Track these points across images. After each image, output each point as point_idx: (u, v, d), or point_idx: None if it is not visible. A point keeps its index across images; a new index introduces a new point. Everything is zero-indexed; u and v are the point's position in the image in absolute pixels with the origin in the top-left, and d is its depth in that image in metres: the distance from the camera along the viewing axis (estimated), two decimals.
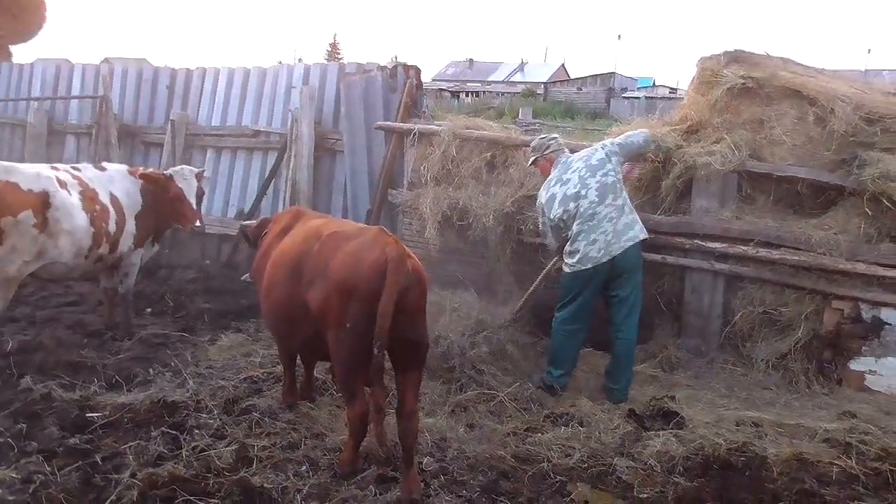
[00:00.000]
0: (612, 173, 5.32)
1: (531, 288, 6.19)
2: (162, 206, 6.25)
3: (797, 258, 5.65)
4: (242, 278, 5.87)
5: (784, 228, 5.80)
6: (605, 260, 5.20)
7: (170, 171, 6.39)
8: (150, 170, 6.44)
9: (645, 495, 3.80)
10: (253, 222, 5.37)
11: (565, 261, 5.38)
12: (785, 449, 4.24)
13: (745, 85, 6.23)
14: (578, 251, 5.26)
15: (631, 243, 5.25)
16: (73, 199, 5.35)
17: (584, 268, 5.24)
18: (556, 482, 3.87)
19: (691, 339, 6.11)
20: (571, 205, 5.29)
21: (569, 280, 5.38)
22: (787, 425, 4.66)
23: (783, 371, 5.65)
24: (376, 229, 3.87)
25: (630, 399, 5.19)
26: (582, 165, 5.38)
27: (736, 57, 6.50)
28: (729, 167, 5.99)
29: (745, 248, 5.85)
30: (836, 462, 4.09)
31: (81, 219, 5.38)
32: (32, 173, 5.12)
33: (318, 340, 3.83)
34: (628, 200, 5.41)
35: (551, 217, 5.42)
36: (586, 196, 5.26)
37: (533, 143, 5.79)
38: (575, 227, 5.29)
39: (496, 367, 5.51)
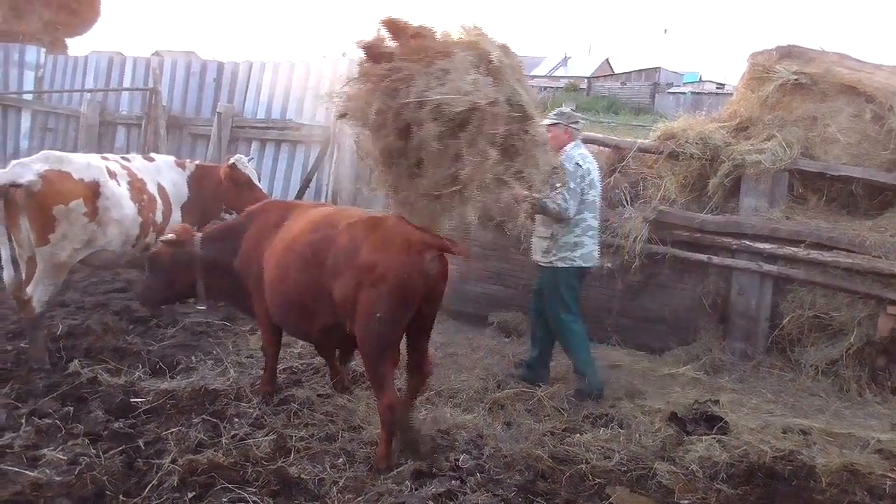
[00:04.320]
0: None
1: None
2: (208, 198, 6.35)
3: (850, 261, 5.47)
4: None
5: (837, 230, 5.63)
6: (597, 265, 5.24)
7: (231, 160, 6.52)
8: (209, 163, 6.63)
9: (686, 502, 3.71)
10: (171, 237, 4.81)
11: (562, 254, 5.06)
12: (834, 459, 4.09)
13: (797, 81, 6.07)
14: (584, 245, 5.07)
15: None
16: (122, 188, 5.46)
17: (585, 265, 5.11)
18: (595, 485, 3.81)
19: (737, 341, 5.96)
20: (595, 192, 5.14)
21: (568, 276, 5.09)
22: (837, 434, 4.51)
23: (833, 378, 5.48)
24: (395, 217, 3.92)
25: (673, 402, 5.07)
26: (596, 168, 5.23)
27: (789, 52, 6.33)
28: (780, 165, 5.84)
29: (796, 249, 5.68)
30: (888, 475, 3.94)
31: (130, 208, 5.49)
32: (83, 163, 5.24)
33: (337, 329, 3.91)
34: None
35: (585, 182, 5.02)
36: (598, 197, 5.20)
37: (561, 110, 5.41)
38: (588, 217, 5.08)
39: None
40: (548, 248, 5.10)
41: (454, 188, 3.68)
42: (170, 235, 4.84)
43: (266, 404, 4.50)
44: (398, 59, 3.69)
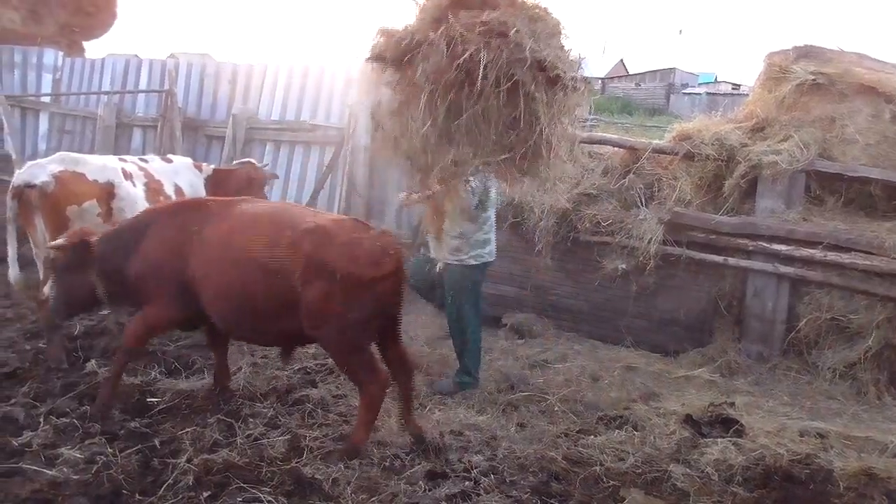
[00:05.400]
0: None
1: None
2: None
3: (869, 263, 5.41)
4: None
5: (855, 231, 5.57)
6: None
7: (260, 164, 6.78)
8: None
9: None
10: (59, 241, 4.39)
11: (474, 252, 5.07)
12: (852, 463, 4.05)
13: (815, 81, 6.02)
14: (490, 242, 5.14)
15: None
16: (138, 190, 5.52)
17: (490, 260, 5.18)
18: (609, 487, 3.78)
19: (753, 344, 5.91)
20: (495, 188, 5.12)
21: (477, 272, 5.15)
22: (855, 438, 4.46)
23: (851, 381, 5.42)
24: (352, 220, 4.09)
25: (688, 404, 5.04)
26: None
27: (806, 52, 6.28)
28: (796, 166, 5.79)
29: (813, 251, 5.62)
30: None
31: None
32: (99, 164, 5.31)
33: (297, 331, 3.96)
34: None
35: (490, 179, 4.96)
36: (496, 193, 5.18)
37: None
38: (491, 215, 5.15)
39: None
40: (458, 247, 5.08)
41: (505, 156, 3.63)
42: (59, 240, 4.43)
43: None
44: (501, 10, 3.45)
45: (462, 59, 3.38)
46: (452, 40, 3.43)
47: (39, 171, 4.94)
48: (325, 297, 3.73)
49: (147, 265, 4.20)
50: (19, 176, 4.91)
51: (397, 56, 3.65)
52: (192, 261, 4.10)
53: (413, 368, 4.24)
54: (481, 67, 3.37)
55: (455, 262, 5.09)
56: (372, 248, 3.79)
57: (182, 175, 6.14)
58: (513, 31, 3.39)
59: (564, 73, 3.46)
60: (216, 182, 6.38)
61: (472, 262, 5.09)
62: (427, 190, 4.11)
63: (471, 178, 4.70)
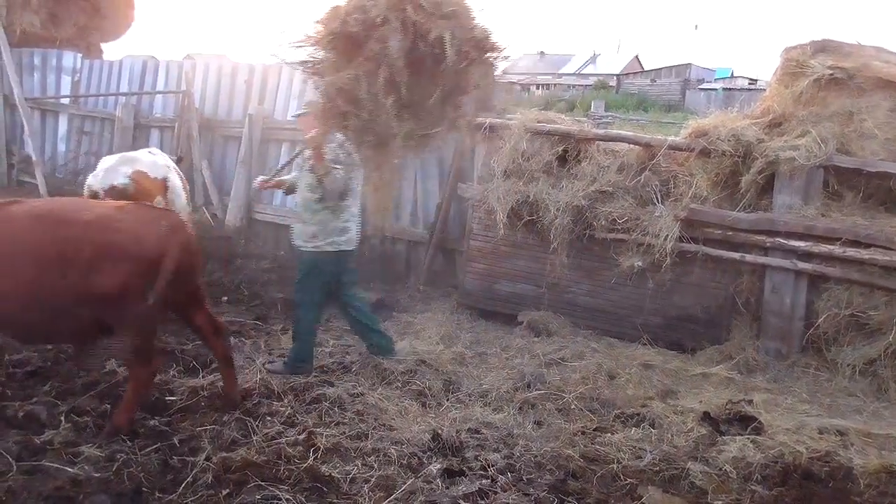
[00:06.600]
0: None
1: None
2: None
3: (889, 258, 5.34)
4: None
5: (874, 227, 5.52)
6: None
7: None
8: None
9: (719, 502, 3.67)
10: None
11: (330, 239, 5.10)
12: (873, 460, 4.01)
13: (833, 76, 5.96)
14: (348, 231, 5.17)
15: None
16: (177, 180, 6.02)
17: (349, 249, 5.22)
18: (626, 485, 3.78)
19: (771, 341, 5.87)
20: (358, 178, 5.13)
21: (332, 259, 5.16)
22: (876, 435, 4.42)
23: (871, 377, 5.37)
24: (132, 204, 4.19)
25: (705, 402, 5.01)
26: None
27: (823, 46, 6.22)
28: (814, 162, 5.74)
29: (831, 247, 5.57)
30: None
31: (183, 198, 6.06)
32: (151, 161, 5.79)
33: (93, 324, 4.00)
34: None
35: (353, 170, 5.05)
36: (359, 184, 5.18)
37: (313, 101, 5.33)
38: (351, 204, 5.16)
39: None
40: (315, 234, 5.14)
41: (438, 129, 3.98)
42: None
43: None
44: None
45: (431, 38, 3.69)
46: (417, 20, 3.72)
47: (114, 173, 5.37)
48: (118, 281, 3.77)
49: None
50: (103, 180, 5.28)
51: (354, 34, 3.83)
52: None
53: (223, 330, 4.47)
54: (447, 46, 3.67)
55: (311, 248, 5.16)
56: (157, 227, 3.91)
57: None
58: (467, 15, 3.82)
59: (501, 50, 3.89)
60: None
61: (329, 248, 5.14)
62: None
63: (338, 167, 4.87)
